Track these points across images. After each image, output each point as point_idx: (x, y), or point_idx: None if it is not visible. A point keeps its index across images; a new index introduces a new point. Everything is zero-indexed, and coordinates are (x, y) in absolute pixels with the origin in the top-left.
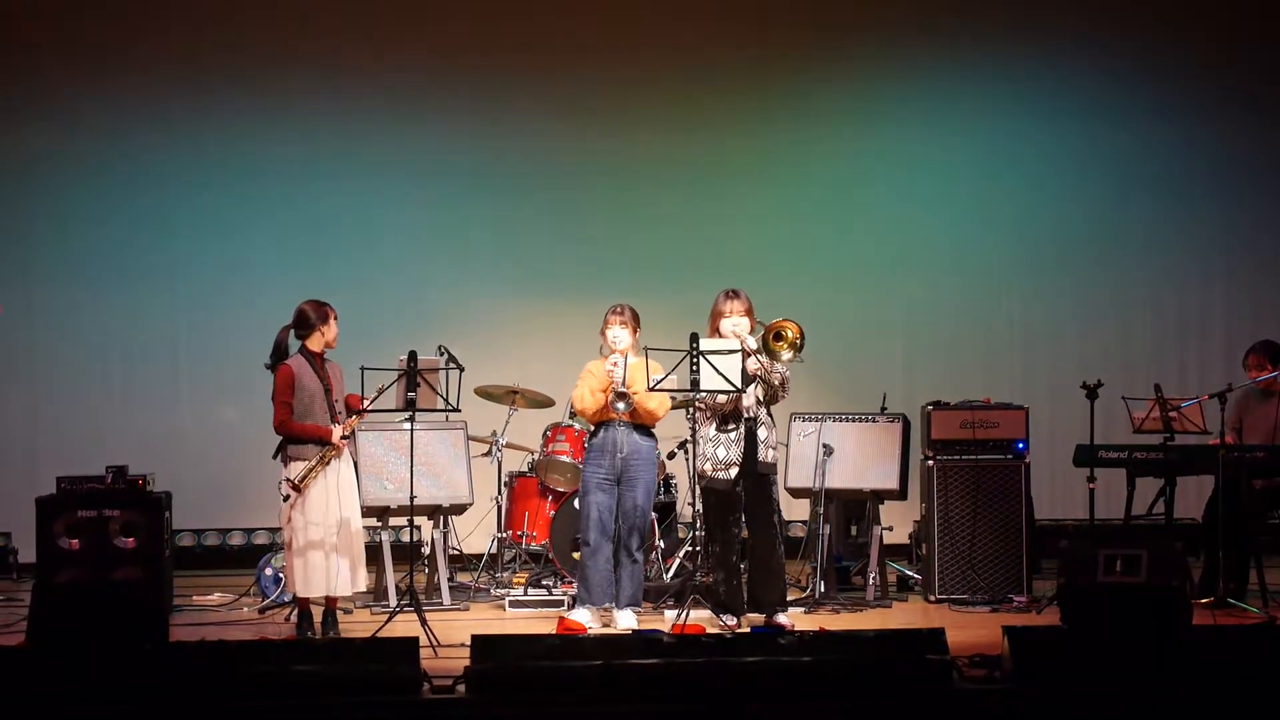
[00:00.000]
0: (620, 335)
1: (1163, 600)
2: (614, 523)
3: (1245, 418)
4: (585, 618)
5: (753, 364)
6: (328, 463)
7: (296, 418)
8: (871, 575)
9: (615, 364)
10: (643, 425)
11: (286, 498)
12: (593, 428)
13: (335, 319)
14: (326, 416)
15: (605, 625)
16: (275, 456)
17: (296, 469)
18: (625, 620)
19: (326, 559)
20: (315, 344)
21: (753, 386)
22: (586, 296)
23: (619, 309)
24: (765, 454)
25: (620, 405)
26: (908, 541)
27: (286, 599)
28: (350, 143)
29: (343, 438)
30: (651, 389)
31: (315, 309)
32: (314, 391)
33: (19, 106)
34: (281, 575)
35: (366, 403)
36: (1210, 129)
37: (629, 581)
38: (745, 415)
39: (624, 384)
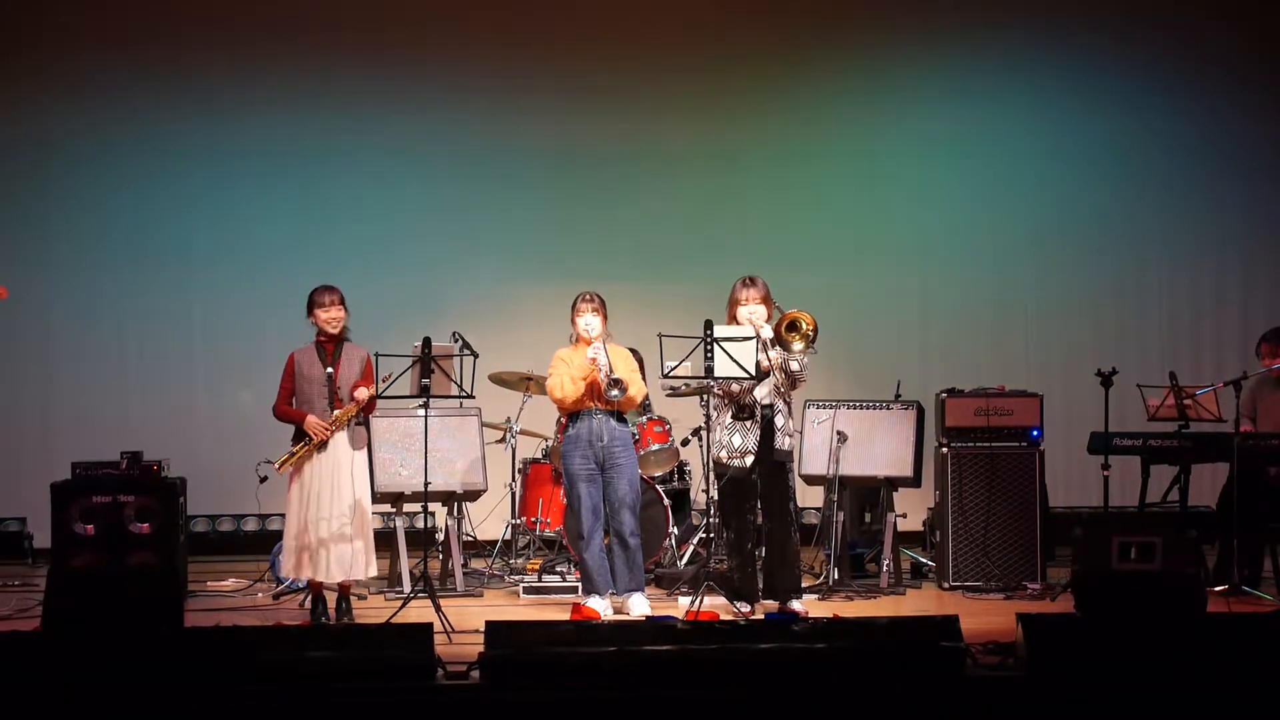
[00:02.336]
0: (593, 322)
1: (1177, 588)
2: (604, 510)
3: (1259, 405)
4: (599, 605)
5: (764, 360)
6: (314, 450)
7: (298, 405)
8: (885, 562)
9: (598, 351)
10: (618, 412)
11: (263, 479)
12: (568, 417)
13: (329, 305)
14: (325, 404)
15: (619, 612)
16: None
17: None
18: (639, 607)
19: (312, 545)
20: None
21: (769, 376)
22: (601, 284)
23: (589, 296)
24: (782, 442)
25: (615, 393)
26: (922, 529)
27: (300, 585)
28: (365, 131)
29: (356, 423)
30: (665, 375)
31: (311, 295)
32: (313, 378)
33: (35, 92)
34: None
35: (380, 387)
36: (1225, 115)
37: (625, 568)
38: (761, 404)
39: (611, 371)
